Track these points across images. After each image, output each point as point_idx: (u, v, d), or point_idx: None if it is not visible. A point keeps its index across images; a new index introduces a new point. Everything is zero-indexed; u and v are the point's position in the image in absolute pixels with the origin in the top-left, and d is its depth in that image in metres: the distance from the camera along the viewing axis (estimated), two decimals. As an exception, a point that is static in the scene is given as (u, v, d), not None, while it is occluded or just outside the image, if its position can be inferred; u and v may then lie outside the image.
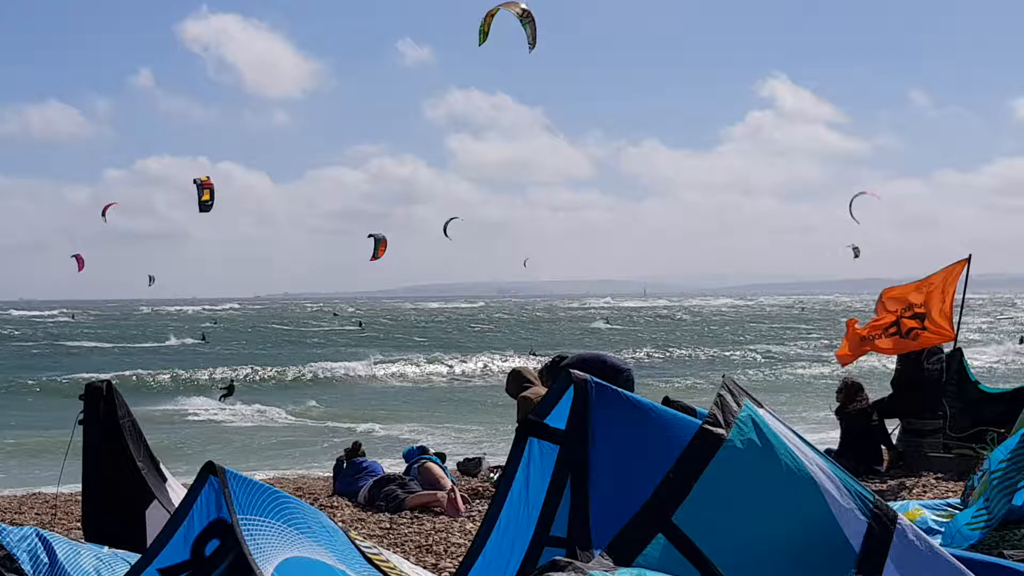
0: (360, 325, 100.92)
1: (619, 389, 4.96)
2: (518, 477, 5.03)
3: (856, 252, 43.04)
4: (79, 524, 10.51)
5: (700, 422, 4.96)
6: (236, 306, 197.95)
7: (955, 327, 13.03)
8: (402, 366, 47.03)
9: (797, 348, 60.36)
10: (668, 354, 56.25)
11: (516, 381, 12.71)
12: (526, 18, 19.15)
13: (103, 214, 36.62)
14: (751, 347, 60.84)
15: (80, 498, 12.34)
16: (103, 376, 39.86)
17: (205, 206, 26.32)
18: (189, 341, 74.84)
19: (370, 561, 6.06)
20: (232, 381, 39.34)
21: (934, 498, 10.50)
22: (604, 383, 4.91)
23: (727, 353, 57.02)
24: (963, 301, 13.31)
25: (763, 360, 52.10)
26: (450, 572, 8.15)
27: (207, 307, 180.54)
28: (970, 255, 13.17)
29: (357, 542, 6.14)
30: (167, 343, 73.11)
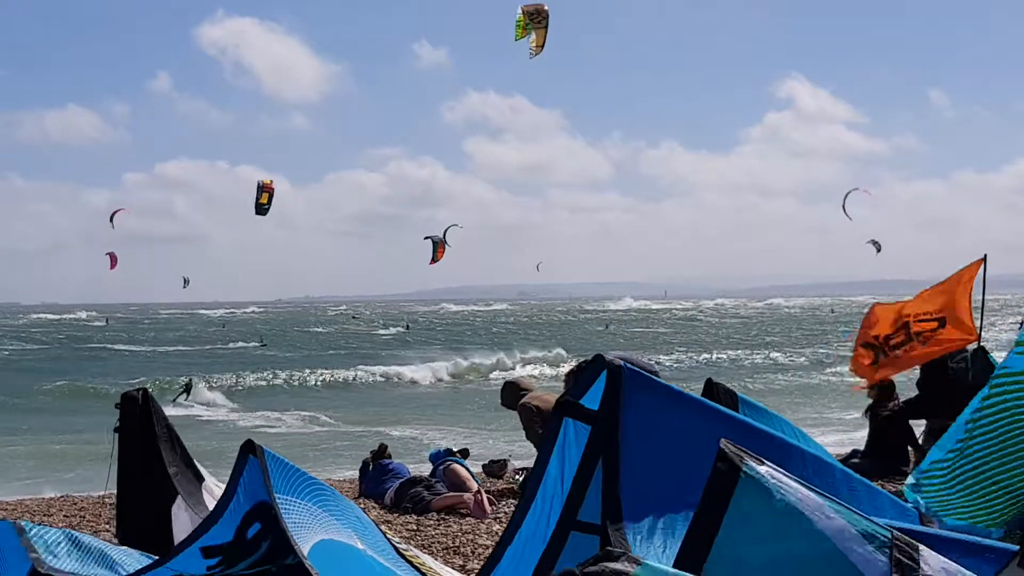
0: (407, 328, 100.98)
1: (651, 375, 4.99)
2: (553, 458, 5.07)
3: (878, 247, 42.36)
4: (107, 527, 10.60)
5: (731, 412, 4.96)
6: (257, 309, 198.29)
7: (977, 328, 12.97)
8: (427, 369, 46.86)
9: (818, 350, 60.08)
10: (688, 357, 55.92)
11: (512, 392, 12.77)
12: (537, 21, 18.83)
13: (111, 220, 36.67)
14: (769, 350, 60.56)
15: (107, 500, 12.49)
16: (143, 380, 40.06)
17: (261, 208, 26.43)
18: (246, 344, 75.28)
19: (400, 553, 6.11)
20: (190, 380, 39.43)
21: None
22: (637, 368, 4.94)
23: (745, 354, 56.78)
24: (983, 302, 13.23)
25: (784, 362, 51.80)
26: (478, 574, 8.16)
27: (231, 310, 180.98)
28: (985, 255, 13.09)
29: (388, 536, 6.19)
30: (228, 346, 73.48)
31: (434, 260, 33.75)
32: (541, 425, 12.32)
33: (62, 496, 13.63)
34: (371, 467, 12.40)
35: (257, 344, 75.17)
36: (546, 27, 18.85)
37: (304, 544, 5.24)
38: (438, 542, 9.59)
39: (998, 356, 13.86)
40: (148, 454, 7.81)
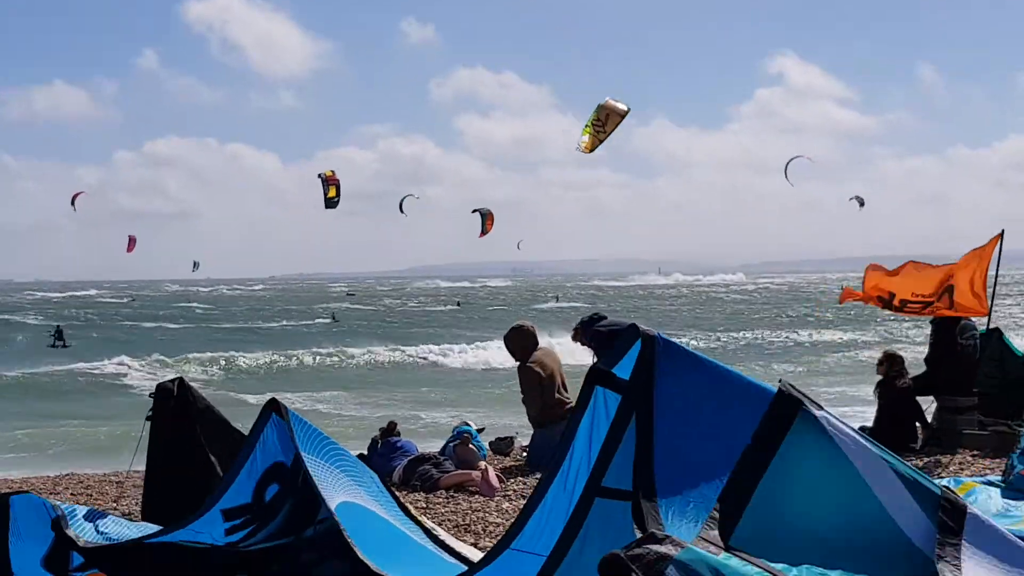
0: (458, 304, 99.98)
1: (684, 346, 4.95)
2: (582, 425, 5.05)
3: (861, 202, 41.77)
4: (115, 505, 10.57)
5: (763, 384, 4.92)
6: (259, 287, 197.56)
7: (989, 303, 12.89)
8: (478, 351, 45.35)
9: (814, 326, 59.92)
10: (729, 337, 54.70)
11: (521, 339, 12.71)
12: (599, 126, 17.88)
13: (72, 203, 36.20)
14: (774, 330, 60.31)
15: (113, 479, 12.47)
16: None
17: (331, 203, 25.52)
18: (320, 322, 74.89)
19: (415, 520, 6.09)
20: (59, 327, 39.71)
21: (972, 475, 10.43)
22: (671, 339, 4.90)
23: (738, 335, 56.24)
24: (996, 278, 13.14)
25: (787, 340, 51.46)
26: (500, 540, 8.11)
27: (236, 287, 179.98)
28: (1003, 231, 13.01)
29: (404, 504, 6.16)
30: (306, 321, 73.26)
31: (484, 232, 33.00)
32: (541, 392, 12.30)
33: (67, 474, 13.55)
34: (379, 444, 12.33)
35: (329, 321, 75.14)
36: (603, 137, 17.92)
37: (330, 503, 5.23)
38: (448, 520, 9.55)
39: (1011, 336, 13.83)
40: (185, 442, 7.80)
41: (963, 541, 3.83)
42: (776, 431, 3.97)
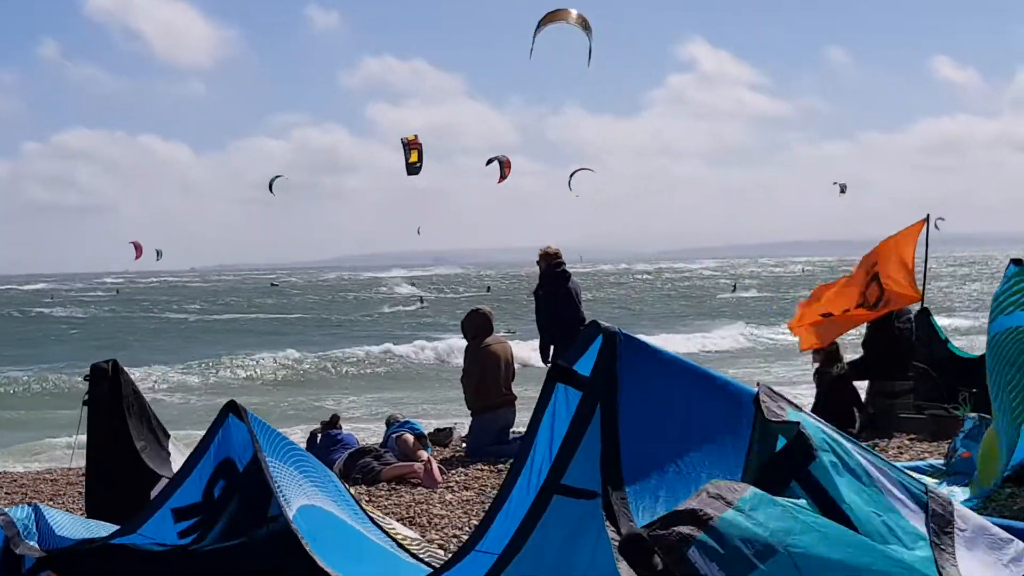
0: (488, 290, 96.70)
1: (645, 340, 4.93)
2: (543, 423, 5.00)
3: (843, 188, 42.19)
4: (51, 503, 10.35)
5: (726, 377, 4.90)
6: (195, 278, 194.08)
7: (920, 288, 13.08)
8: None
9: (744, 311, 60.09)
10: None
11: (478, 324, 12.96)
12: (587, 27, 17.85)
13: None
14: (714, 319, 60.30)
15: (48, 476, 12.24)
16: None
17: (413, 168, 24.05)
18: (406, 308, 73.00)
19: (376, 524, 6.03)
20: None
21: (911, 459, 10.53)
22: (632, 335, 4.87)
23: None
24: (926, 262, 13.36)
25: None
26: (439, 543, 8.05)
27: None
28: (928, 215, 13.30)
29: (363, 506, 6.11)
30: (381, 311, 71.10)
31: (502, 178, 31.88)
32: (481, 373, 12.62)
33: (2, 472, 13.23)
34: (319, 438, 12.22)
35: (418, 306, 73.88)
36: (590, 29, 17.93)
37: (290, 508, 5.16)
38: (392, 512, 9.45)
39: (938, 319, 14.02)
40: (118, 427, 7.65)
41: (955, 531, 3.86)
42: (782, 477, 3.94)
